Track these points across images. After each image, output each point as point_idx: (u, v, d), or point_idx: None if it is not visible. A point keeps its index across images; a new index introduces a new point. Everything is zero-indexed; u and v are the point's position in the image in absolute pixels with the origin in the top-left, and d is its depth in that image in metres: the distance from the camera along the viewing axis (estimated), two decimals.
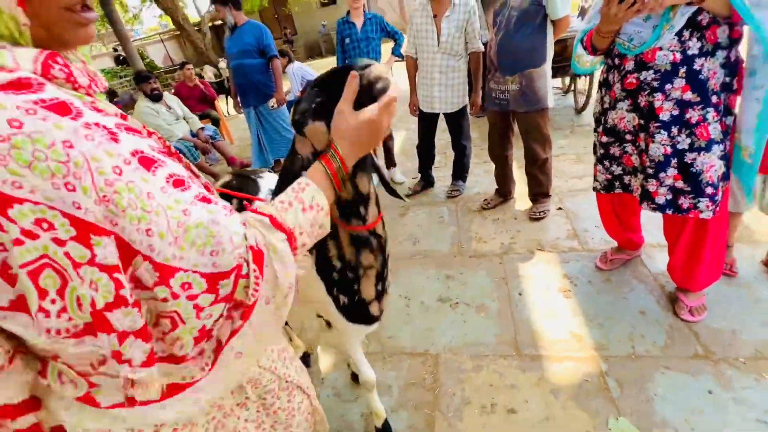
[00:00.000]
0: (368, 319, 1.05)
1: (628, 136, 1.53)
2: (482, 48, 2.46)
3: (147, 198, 0.39)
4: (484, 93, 2.50)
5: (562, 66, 3.71)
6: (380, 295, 1.01)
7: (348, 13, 2.88)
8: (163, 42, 21.79)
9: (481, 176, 3.19)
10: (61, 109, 0.37)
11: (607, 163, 1.65)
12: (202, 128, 4.32)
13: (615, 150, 1.60)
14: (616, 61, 1.49)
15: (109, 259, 0.37)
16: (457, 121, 2.72)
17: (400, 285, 2.15)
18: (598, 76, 1.70)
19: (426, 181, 3.11)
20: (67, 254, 0.35)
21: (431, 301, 1.99)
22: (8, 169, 0.32)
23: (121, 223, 0.37)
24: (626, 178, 1.62)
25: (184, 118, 4.24)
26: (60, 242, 0.35)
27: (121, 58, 13.11)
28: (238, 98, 3.70)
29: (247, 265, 0.46)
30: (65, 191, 0.34)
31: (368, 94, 0.62)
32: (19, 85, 0.36)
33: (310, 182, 0.56)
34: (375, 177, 0.85)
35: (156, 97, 3.96)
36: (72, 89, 0.43)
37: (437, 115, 2.72)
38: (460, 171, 2.95)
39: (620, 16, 1.26)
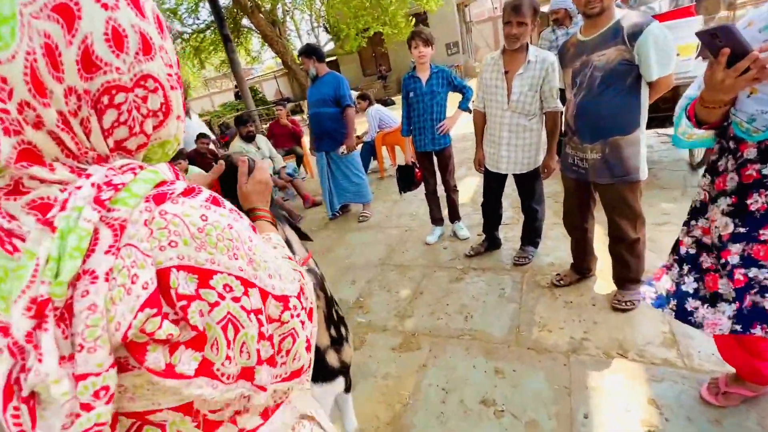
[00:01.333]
0: (327, 373, 1.03)
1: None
2: (560, 107, 2.16)
3: (264, 252, 0.52)
4: (559, 156, 2.18)
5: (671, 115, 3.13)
6: (337, 341, 1.03)
7: (414, 67, 2.82)
8: (276, 79, 24.74)
9: (559, 241, 2.78)
10: (218, 202, 0.49)
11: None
12: (284, 167, 4.63)
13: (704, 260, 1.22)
14: (731, 144, 1.13)
15: (256, 304, 0.49)
16: (527, 183, 2.42)
17: (439, 368, 1.90)
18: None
19: (491, 242, 2.82)
20: (243, 307, 0.47)
21: (472, 401, 1.70)
22: (207, 251, 0.44)
23: (259, 275, 0.50)
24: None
25: (270, 157, 4.59)
26: (237, 299, 0.46)
27: (239, 94, 15.14)
28: (314, 143, 3.87)
29: (302, 282, 0.61)
30: (234, 261, 0.46)
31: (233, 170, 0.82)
32: (190, 191, 0.47)
33: (269, 233, 0.74)
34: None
35: (249, 139, 4.37)
36: None
37: (505, 174, 2.46)
38: (530, 235, 2.61)
39: (728, 84, 0.94)
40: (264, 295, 0.50)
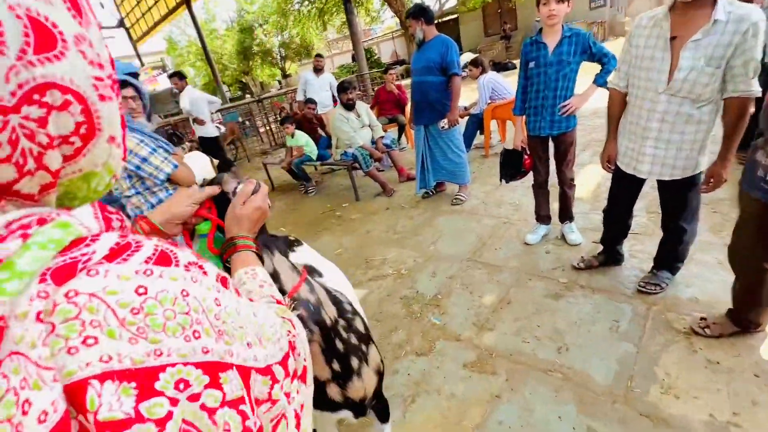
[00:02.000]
0: (326, 403, 0.95)
1: None
2: (757, 91, 1.47)
3: (238, 315, 0.41)
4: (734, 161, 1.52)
5: None
6: (340, 376, 0.93)
7: (539, 30, 2.26)
8: (393, 39, 24.45)
9: (709, 269, 2.09)
10: (166, 259, 0.36)
11: None
12: (382, 136, 4.48)
13: None
14: None
15: (235, 392, 0.36)
16: (678, 195, 1.79)
17: (515, 404, 1.60)
18: None
19: (609, 256, 2.26)
20: (202, 406, 0.33)
21: None
22: (150, 338, 0.31)
23: (234, 349, 0.38)
24: None
25: (369, 126, 4.48)
26: (195, 397, 0.33)
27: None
28: (414, 115, 3.60)
29: (293, 336, 0.52)
30: (195, 341, 0.34)
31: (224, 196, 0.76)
32: (121, 250, 0.34)
33: (254, 267, 0.65)
34: None
35: (349, 106, 4.30)
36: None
37: (643, 179, 1.86)
38: (668, 258, 1.99)
39: None
40: (245, 373, 0.39)
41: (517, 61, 13.22)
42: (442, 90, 3.28)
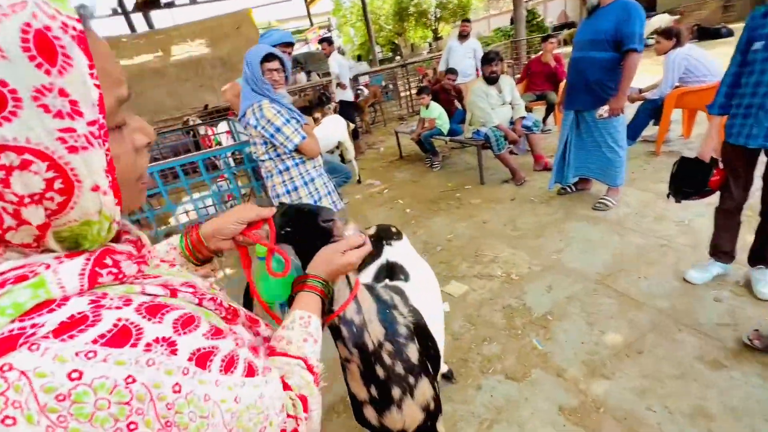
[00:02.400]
0: (364, 422, 0.94)
1: None
2: None
3: (204, 401, 0.37)
4: None
5: None
6: (377, 403, 0.89)
7: None
8: None
9: None
10: (122, 337, 0.34)
11: None
12: (523, 117, 3.98)
13: None
14: None
15: None
16: None
17: None
18: None
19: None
20: None
21: None
22: (69, 429, 0.30)
23: None
24: None
25: (510, 103, 4.03)
26: None
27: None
28: (565, 98, 3.05)
29: (296, 421, 0.48)
30: None
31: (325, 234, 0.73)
32: (72, 325, 0.33)
33: (311, 315, 0.62)
34: None
35: (491, 80, 3.91)
36: (119, 283, 0.41)
37: None
38: None
39: None
40: None
41: (736, 28, 10.13)
42: (608, 69, 2.67)
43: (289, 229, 0.73)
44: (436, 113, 4.63)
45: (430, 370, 1.01)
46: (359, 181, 4.92)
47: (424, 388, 0.96)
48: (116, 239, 0.44)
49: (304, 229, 0.73)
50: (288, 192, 2.01)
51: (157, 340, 0.35)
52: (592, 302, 2.12)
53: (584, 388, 1.66)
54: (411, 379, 0.93)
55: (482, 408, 1.67)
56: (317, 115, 5.18)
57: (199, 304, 0.46)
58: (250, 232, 0.69)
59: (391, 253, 1.31)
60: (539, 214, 3.20)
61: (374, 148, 6.64)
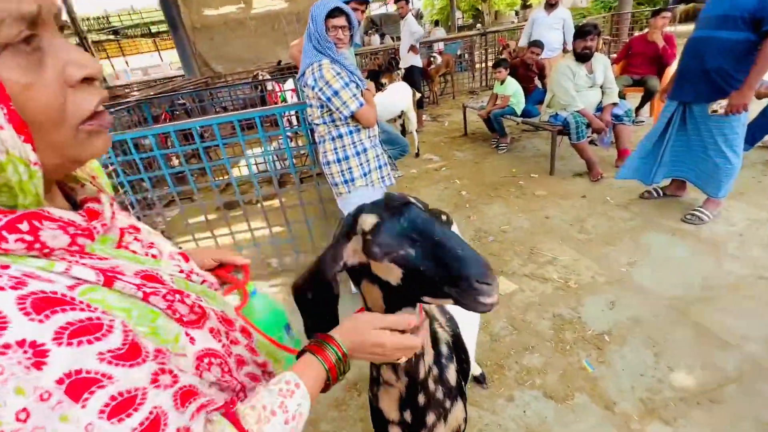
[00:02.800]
0: None
1: None
2: None
3: None
4: None
5: None
6: (408, 427, 0.79)
7: None
8: None
9: None
10: None
11: None
12: (614, 104, 3.47)
13: None
14: None
15: None
16: None
17: None
18: None
19: None
20: None
21: None
22: None
23: None
24: None
25: (600, 87, 3.52)
26: None
27: None
28: (673, 85, 2.56)
29: None
30: None
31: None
32: None
33: (300, 383, 0.49)
34: None
35: (583, 57, 3.42)
36: (39, 255, 0.35)
37: None
38: None
39: None
40: None
41: None
42: (737, 54, 2.16)
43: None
44: (512, 90, 4.22)
45: (465, 389, 0.90)
46: (417, 155, 4.72)
47: (457, 412, 0.87)
48: (78, 207, 0.36)
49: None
50: (338, 160, 1.92)
51: (21, 343, 0.28)
52: (662, 330, 1.83)
53: (637, 429, 1.44)
54: (447, 404, 0.84)
55: (511, 422, 1.53)
56: (384, 80, 4.97)
57: (145, 299, 0.38)
58: (219, 272, 0.69)
59: None
60: (613, 218, 2.82)
61: (439, 121, 6.33)
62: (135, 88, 7.36)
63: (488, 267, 0.55)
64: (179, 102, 4.49)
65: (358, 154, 1.92)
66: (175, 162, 4.24)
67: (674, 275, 2.16)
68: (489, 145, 4.73)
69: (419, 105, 5.71)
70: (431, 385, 0.77)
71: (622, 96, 4.20)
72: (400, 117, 4.61)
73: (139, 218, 3.48)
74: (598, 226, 2.74)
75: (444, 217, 1.33)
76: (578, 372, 1.69)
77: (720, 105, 2.25)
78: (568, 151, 3.80)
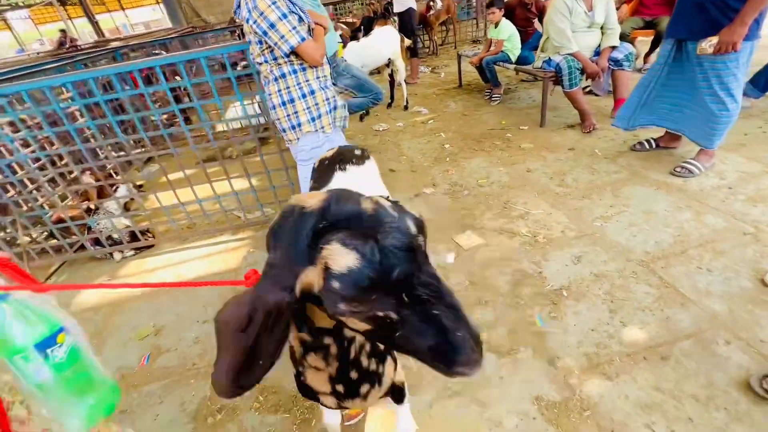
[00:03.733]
0: (313, 398, 0.81)
1: None
2: None
3: None
4: None
5: None
6: (341, 396, 0.74)
7: None
8: None
9: None
10: None
11: None
12: (613, 47, 3.16)
13: None
14: None
15: None
16: None
17: None
18: None
19: None
20: None
21: None
22: None
23: None
24: None
25: (601, 28, 3.19)
26: None
27: None
28: (672, 21, 2.28)
29: None
30: None
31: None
32: None
33: None
34: None
35: None
36: None
37: None
38: None
39: None
40: None
41: None
42: None
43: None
44: (506, 34, 3.88)
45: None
46: (406, 108, 4.49)
47: (389, 371, 0.81)
48: None
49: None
50: (283, 104, 1.78)
51: None
52: (624, 286, 1.73)
53: (575, 383, 1.39)
54: (380, 369, 0.78)
55: (440, 380, 1.49)
56: (377, 27, 4.63)
57: None
58: None
59: (341, 181, 1.06)
60: (598, 171, 2.65)
61: (436, 72, 5.98)
62: (122, 41, 7.07)
63: (479, 358, 0.45)
64: (155, 52, 4.28)
65: (304, 96, 1.77)
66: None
67: (650, 231, 2.03)
68: (483, 96, 4.46)
69: (413, 54, 5.37)
70: (364, 361, 0.71)
71: (629, 39, 3.84)
72: (388, 66, 4.34)
73: (116, 173, 3.40)
74: (578, 180, 2.58)
75: (358, 152, 1.22)
76: (528, 327, 1.63)
77: (710, 43, 2.00)
78: (563, 101, 3.54)
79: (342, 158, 1.13)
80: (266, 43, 1.65)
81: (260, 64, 1.75)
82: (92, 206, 2.60)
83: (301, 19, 1.66)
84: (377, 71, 4.73)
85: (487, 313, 1.72)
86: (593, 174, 2.62)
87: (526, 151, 3.08)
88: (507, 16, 3.99)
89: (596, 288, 1.75)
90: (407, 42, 4.57)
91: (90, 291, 2.33)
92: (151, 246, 2.65)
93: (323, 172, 1.11)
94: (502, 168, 2.89)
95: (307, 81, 1.76)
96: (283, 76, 1.73)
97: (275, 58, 1.70)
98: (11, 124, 2.56)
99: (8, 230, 2.41)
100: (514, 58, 3.94)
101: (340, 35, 4.15)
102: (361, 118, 4.42)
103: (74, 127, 2.25)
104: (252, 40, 1.69)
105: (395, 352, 0.91)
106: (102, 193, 2.79)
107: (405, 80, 5.40)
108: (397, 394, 0.94)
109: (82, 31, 18.70)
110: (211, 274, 2.30)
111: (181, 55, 2.04)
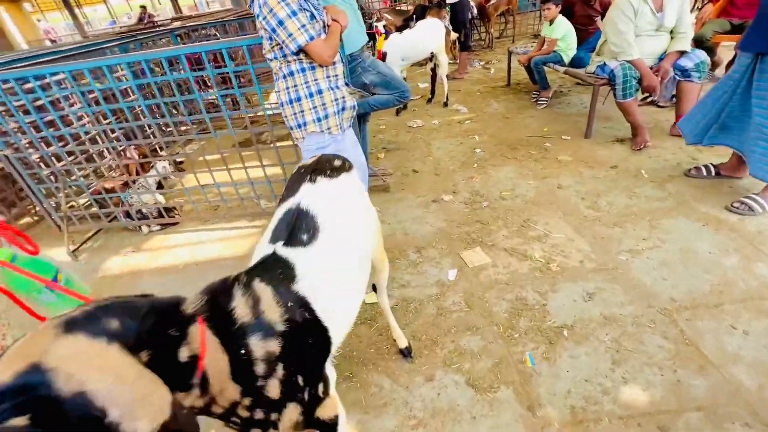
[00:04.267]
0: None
1: None
2: None
3: None
4: None
5: None
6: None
7: None
8: None
9: None
10: None
11: None
12: (682, 53, 2.77)
13: None
14: None
15: None
16: None
17: None
18: None
19: None
20: None
21: None
22: None
23: None
24: None
25: (671, 31, 2.81)
26: None
27: None
28: (748, 31, 1.94)
29: None
30: None
31: None
32: None
33: None
34: None
35: None
36: None
37: None
38: None
39: None
40: None
41: None
42: None
43: None
44: (561, 32, 3.56)
45: (303, 386, 0.78)
46: (446, 104, 4.32)
47: (291, 415, 0.76)
48: None
49: None
50: (290, 101, 1.75)
51: None
52: (636, 336, 1.54)
53: None
54: (273, 416, 0.74)
55: (419, 402, 1.42)
56: (428, 17, 4.44)
57: None
58: None
59: (309, 195, 0.99)
60: (639, 195, 2.36)
61: (486, 68, 5.68)
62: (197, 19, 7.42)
63: None
64: (210, 34, 4.46)
65: (311, 95, 1.73)
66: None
67: (684, 273, 1.78)
68: (530, 98, 4.16)
69: (464, 47, 5.13)
70: (243, 412, 0.68)
71: (709, 45, 3.37)
72: (431, 60, 4.17)
73: (161, 147, 3.63)
74: (614, 203, 2.32)
75: (338, 162, 1.15)
76: (515, 364, 1.50)
77: None
78: (618, 110, 3.20)
79: (316, 168, 1.07)
80: (275, 39, 1.63)
81: (270, 60, 1.73)
82: (130, 181, 2.79)
83: (312, 17, 1.61)
84: (422, 63, 4.56)
85: (475, 342, 1.61)
86: (632, 198, 2.34)
87: (562, 165, 2.83)
88: (565, 12, 3.65)
89: (603, 333, 1.57)
90: (454, 35, 4.35)
91: (115, 259, 2.52)
92: (176, 223, 2.80)
93: (295, 180, 1.07)
94: (531, 181, 2.68)
95: (315, 80, 1.72)
96: (291, 74, 1.70)
97: (284, 56, 1.67)
98: (66, 98, 2.80)
99: (57, 197, 2.66)
100: (567, 60, 3.62)
101: (384, 26, 4.04)
102: (398, 113, 4.32)
103: (128, 105, 2.42)
104: (263, 36, 1.67)
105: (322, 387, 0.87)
106: (143, 168, 2.99)
107: (451, 75, 5.20)
108: (325, 429, 0.90)
109: (164, 9, 20.07)
110: (223, 257, 2.39)
111: (222, 42, 2.09)
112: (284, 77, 1.72)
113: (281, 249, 0.86)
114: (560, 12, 3.59)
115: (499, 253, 2.08)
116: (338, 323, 0.90)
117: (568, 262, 1.95)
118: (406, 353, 1.58)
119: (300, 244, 0.87)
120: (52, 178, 2.61)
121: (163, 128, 3.97)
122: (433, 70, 4.31)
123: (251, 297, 0.70)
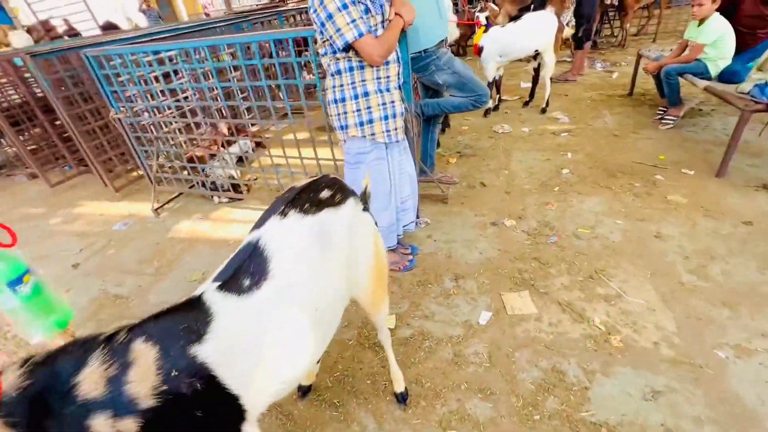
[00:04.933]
0: None
1: None
2: None
3: None
4: None
5: None
6: None
7: None
8: None
9: None
10: None
11: None
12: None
13: None
14: None
15: None
16: None
17: None
18: None
19: None
20: None
21: None
22: None
23: None
24: None
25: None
26: None
27: None
28: None
29: None
30: None
31: None
32: None
33: None
34: None
35: None
36: None
37: None
38: None
39: None
40: None
41: None
42: None
43: None
44: (712, 36, 2.78)
45: None
46: (544, 111, 3.80)
47: None
48: None
49: None
50: (336, 101, 1.64)
51: None
52: None
53: None
54: None
55: None
56: (548, 8, 3.89)
57: None
58: None
59: (272, 232, 0.86)
60: (730, 212, 1.75)
61: (609, 71, 4.84)
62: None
63: None
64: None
65: (356, 97, 1.60)
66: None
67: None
68: (653, 115, 3.41)
69: (578, 45, 4.43)
70: None
71: None
72: (535, 59, 3.68)
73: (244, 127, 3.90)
74: (731, 274, 1.75)
75: (326, 195, 0.97)
76: None
77: None
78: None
79: (295, 198, 0.93)
80: (325, 34, 1.52)
81: (322, 56, 1.64)
82: (215, 153, 3.04)
83: (367, 10, 1.46)
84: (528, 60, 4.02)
85: (484, 409, 1.36)
86: (763, 274, 1.74)
87: (671, 207, 2.24)
88: (725, 12, 2.82)
89: None
90: (567, 31, 3.75)
91: (186, 223, 2.78)
92: (240, 199, 2.98)
93: (270, 208, 0.94)
94: (621, 221, 2.18)
95: (363, 81, 1.58)
96: (339, 72, 1.59)
97: (334, 52, 1.56)
98: (176, 73, 3.13)
99: (157, 160, 3.03)
100: (715, 72, 2.83)
101: (486, 17, 3.66)
102: (486, 114, 3.94)
103: (236, 85, 2.63)
104: (316, 31, 1.58)
105: None
106: (228, 143, 3.24)
107: (562, 76, 4.56)
108: None
109: None
110: None
111: (270, 34, 2.09)
112: (332, 75, 1.62)
113: (211, 293, 0.75)
114: (719, 9, 2.80)
115: (551, 305, 1.73)
116: (264, 388, 0.78)
117: (638, 339, 1.53)
118: (400, 399, 1.41)
119: (235, 291, 0.76)
120: (151, 141, 2.96)
121: (246, 111, 4.23)
122: (536, 70, 3.80)
123: (118, 364, 0.61)
